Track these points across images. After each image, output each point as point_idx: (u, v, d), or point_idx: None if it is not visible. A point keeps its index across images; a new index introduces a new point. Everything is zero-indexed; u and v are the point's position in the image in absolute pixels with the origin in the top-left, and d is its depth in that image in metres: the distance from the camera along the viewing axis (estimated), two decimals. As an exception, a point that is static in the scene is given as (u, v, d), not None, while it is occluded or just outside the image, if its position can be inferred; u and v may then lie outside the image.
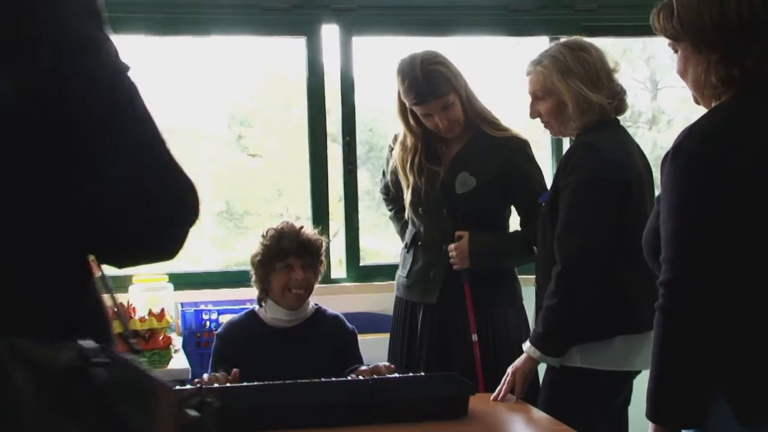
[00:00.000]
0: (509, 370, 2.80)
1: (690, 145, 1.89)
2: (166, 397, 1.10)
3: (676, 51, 2.03)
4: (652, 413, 1.92)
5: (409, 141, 3.30)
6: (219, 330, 3.17)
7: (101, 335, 1.17)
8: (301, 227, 3.09)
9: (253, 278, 3.09)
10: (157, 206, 1.17)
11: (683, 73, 2.03)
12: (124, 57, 1.19)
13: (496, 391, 2.80)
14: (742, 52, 1.89)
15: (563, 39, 2.97)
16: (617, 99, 2.81)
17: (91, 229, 1.16)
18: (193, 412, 1.15)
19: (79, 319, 1.16)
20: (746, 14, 1.89)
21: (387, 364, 2.95)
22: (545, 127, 2.94)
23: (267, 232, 3.07)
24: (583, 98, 2.78)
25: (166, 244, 1.23)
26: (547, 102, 2.85)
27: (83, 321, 1.16)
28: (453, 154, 3.28)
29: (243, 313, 3.20)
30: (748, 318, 1.86)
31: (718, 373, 1.86)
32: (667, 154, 1.93)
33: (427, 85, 3.13)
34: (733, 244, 1.86)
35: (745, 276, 1.86)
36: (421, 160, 3.28)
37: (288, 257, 3.02)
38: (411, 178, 3.29)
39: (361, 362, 3.10)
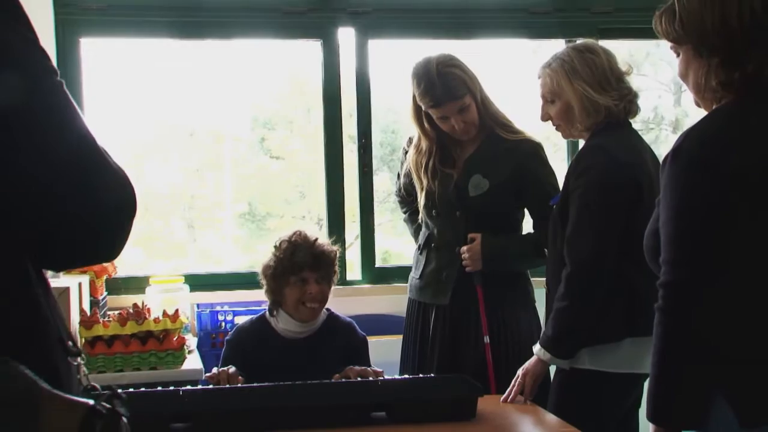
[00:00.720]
0: (519, 371, 2.80)
1: (689, 147, 1.89)
2: (60, 408, 1.07)
3: (678, 54, 2.03)
4: (652, 414, 1.92)
5: (424, 144, 3.30)
6: (228, 336, 3.16)
7: (34, 340, 1.16)
8: (315, 239, 3.04)
9: (265, 288, 3.07)
10: (90, 206, 1.15)
11: (684, 76, 2.03)
12: (51, 62, 1.18)
13: (506, 392, 2.80)
14: (743, 56, 1.89)
15: (578, 41, 2.98)
16: (626, 101, 2.81)
17: (25, 234, 1.15)
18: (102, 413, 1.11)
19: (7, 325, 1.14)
20: (747, 18, 1.88)
21: (377, 369, 2.94)
22: (557, 129, 2.95)
23: (280, 244, 3.03)
24: (588, 100, 2.78)
25: (103, 245, 1.21)
26: (555, 104, 2.86)
27: (11, 326, 1.14)
28: (466, 156, 3.28)
29: (254, 318, 3.18)
30: (747, 320, 1.85)
31: (718, 375, 1.85)
32: (666, 157, 1.93)
33: (444, 87, 3.14)
34: (732, 246, 1.85)
35: (745, 278, 1.85)
36: (435, 163, 3.29)
37: (302, 271, 2.98)
38: (425, 181, 3.29)
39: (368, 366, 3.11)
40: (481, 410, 2.57)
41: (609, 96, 2.78)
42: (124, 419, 1.13)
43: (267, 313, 3.11)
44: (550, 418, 2.67)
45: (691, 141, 1.89)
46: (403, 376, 3.20)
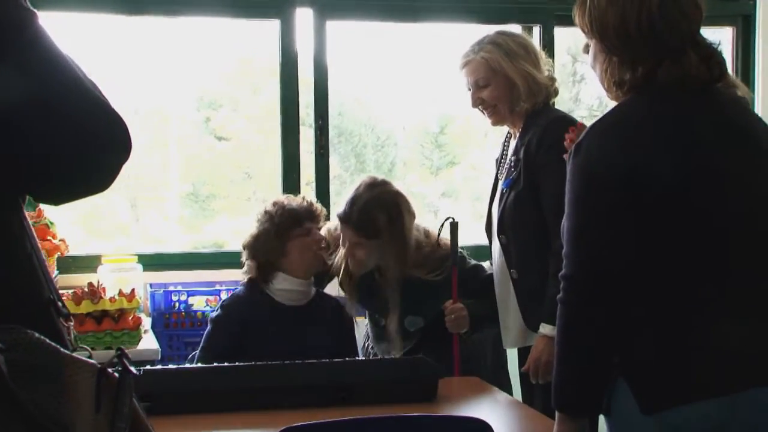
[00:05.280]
0: (535, 356, 2.76)
1: (588, 143, 1.93)
2: (82, 372, 1.11)
3: (588, 46, 2.08)
4: (556, 402, 1.97)
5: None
6: (222, 301, 3.17)
7: (29, 303, 1.19)
8: (303, 197, 3.15)
9: (253, 260, 3.07)
10: (85, 139, 1.18)
11: (593, 68, 2.08)
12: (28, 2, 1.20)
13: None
14: (636, 58, 1.94)
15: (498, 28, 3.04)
16: (554, 83, 2.92)
17: (21, 168, 1.18)
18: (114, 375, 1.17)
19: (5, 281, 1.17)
20: (645, 22, 1.93)
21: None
22: (489, 114, 2.94)
23: (266, 211, 3.06)
24: (532, 78, 2.85)
25: (97, 177, 1.25)
26: (493, 88, 2.88)
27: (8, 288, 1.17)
28: (390, 299, 3.12)
29: (243, 288, 3.16)
30: (644, 311, 1.89)
31: (620, 364, 1.90)
32: (571, 150, 1.98)
33: (359, 215, 2.99)
34: (629, 239, 1.89)
35: (642, 269, 1.89)
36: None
37: (303, 222, 3.05)
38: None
39: (355, 348, 3.17)
40: (441, 392, 2.60)
41: (544, 76, 2.87)
42: (132, 376, 1.19)
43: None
44: (509, 399, 2.73)
45: (589, 137, 1.94)
46: (364, 358, 3.20)
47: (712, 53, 1.97)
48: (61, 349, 1.10)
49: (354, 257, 3.04)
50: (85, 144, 1.18)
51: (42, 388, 1.05)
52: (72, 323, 1.28)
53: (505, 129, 3.08)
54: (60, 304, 1.24)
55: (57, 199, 1.33)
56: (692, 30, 1.96)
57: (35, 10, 1.19)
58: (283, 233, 3.03)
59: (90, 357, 1.18)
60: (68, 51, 1.23)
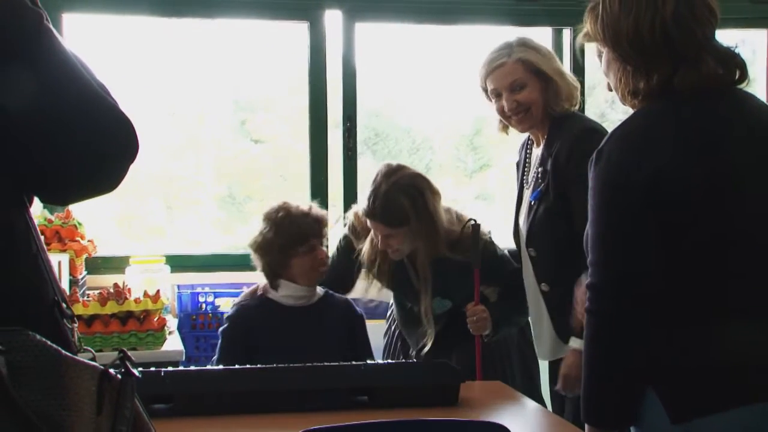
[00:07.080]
0: (564, 372, 2.68)
1: (609, 150, 1.91)
2: (82, 374, 1.11)
3: (600, 53, 2.05)
4: (585, 415, 1.94)
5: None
6: (229, 312, 3.15)
7: (34, 303, 1.19)
8: (310, 207, 3.07)
9: (262, 265, 3.05)
10: (90, 140, 1.18)
11: (606, 75, 2.06)
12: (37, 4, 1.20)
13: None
14: (651, 66, 1.91)
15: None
16: (578, 89, 2.92)
17: (26, 168, 1.18)
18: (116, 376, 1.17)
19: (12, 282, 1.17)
20: (659, 29, 1.90)
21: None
22: (520, 120, 2.87)
23: (275, 218, 3.02)
24: (566, 79, 2.85)
25: (102, 178, 1.25)
26: (530, 90, 2.84)
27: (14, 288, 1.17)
28: (422, 281, 3.10)
29: (251, 296, 3.15)
30: (672, 319, 1.86)
31: (649, 373, 1.87)
32: (592, 157, 1.95)
33: (383, 208, 2.97)
34: (653, 245, 1.86)
35: (668, 276, 1.86)
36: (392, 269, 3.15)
37: (308, 239, 3.00)
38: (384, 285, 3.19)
39: (368, 346, 3.12)
40: (463, 397, 2.57)
41: (574, 79, 2.89)
42: (135, 379, 1.19)
43: (266, 288, 3.10)
44: (532, 405, 2.68)
45: (611, 143, 1.92)
46: (386, 361, 3.19)
47: (731, 56, 1.94)
48: (63, 352, 1.09)
49: (390, 248, 3.03)
50: (91, 145, 1.18)
51: (41, 391, 1.05)
52: (76, 324, 1.28)
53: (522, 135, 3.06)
54: (64, 305, 1.23)
55: (62, 200, 1.34)
56: (707, 35, 1.93)
57: (43, 11, 1.18)
58: (286, 250, 3.00)
59: (94, 359, 1.17)
60: (77, 52, 1.22)
